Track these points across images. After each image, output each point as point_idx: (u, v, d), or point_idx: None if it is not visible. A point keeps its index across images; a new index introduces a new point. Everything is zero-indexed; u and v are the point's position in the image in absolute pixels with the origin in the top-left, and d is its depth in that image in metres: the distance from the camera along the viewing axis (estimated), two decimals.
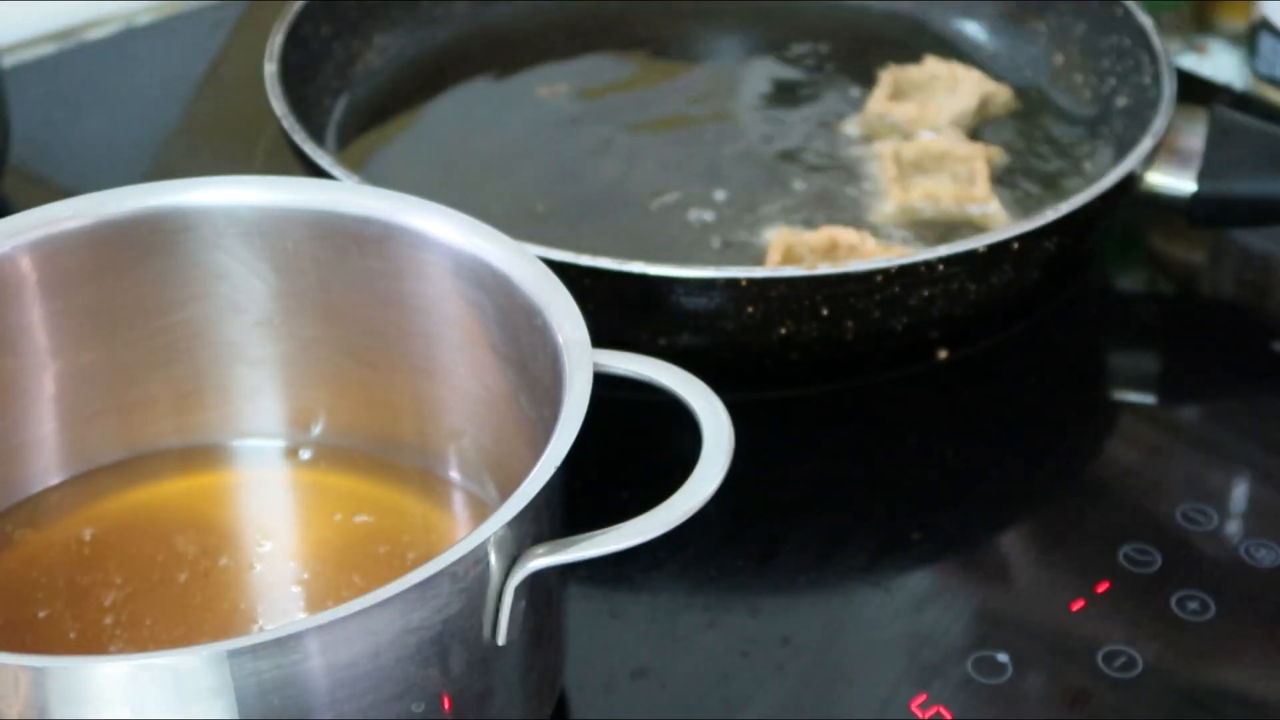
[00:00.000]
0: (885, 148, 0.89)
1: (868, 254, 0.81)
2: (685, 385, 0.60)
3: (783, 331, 0.76)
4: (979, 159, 0.88)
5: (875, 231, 0.85)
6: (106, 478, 0.69)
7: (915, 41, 1.01)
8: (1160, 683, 0.67)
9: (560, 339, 0.60)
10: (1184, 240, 0.91)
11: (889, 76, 0.95)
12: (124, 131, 0.98)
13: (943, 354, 0.81)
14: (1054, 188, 0.89)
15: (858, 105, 0.95)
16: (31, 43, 1.04)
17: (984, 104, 0.94)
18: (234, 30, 1.06)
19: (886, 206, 0.87)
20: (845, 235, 0.82)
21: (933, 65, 0.96)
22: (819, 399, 0.80)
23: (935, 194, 0.86)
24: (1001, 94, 0.95)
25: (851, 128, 0.93)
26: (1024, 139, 0.93)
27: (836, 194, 0.88)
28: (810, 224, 0.85)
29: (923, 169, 0.89)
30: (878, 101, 0.94)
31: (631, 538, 0.56)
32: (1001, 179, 0.89)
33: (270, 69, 0.87)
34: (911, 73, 0.96)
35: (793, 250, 0.81)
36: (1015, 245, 0.77)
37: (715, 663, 0.67)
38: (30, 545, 0.67)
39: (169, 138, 0.98)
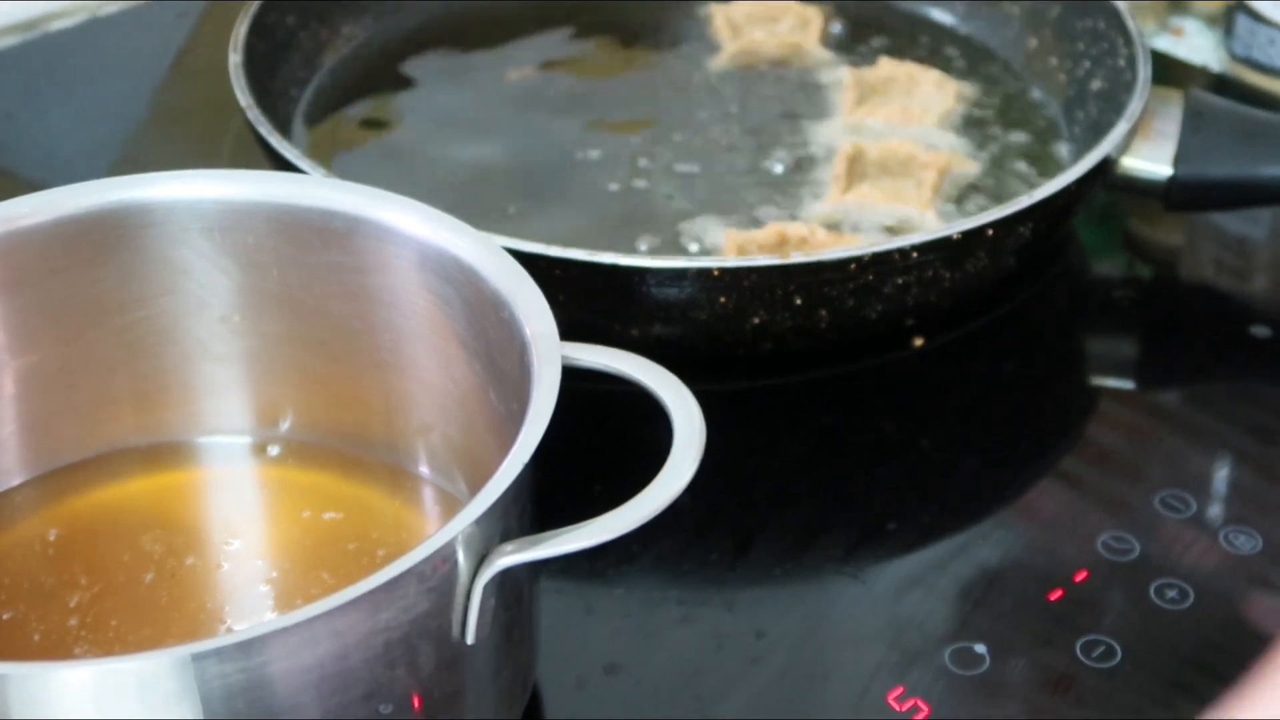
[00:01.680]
0: (845, 146, 0.88)
1: (819, 245, 0.80)
2: (656, 378, 0.60)
3: (756, 321, 0.75)
4: (934, 167, 0.86)
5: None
6: (70, 477, 0.68)
7: (888, 26, 1.00)
8: (1140, 672, 0.66)
9: (528, 332, 0.60)
10: (1162, 224, 0.90)
11: (850, 80, 0.94)
12: (90, 123, 0.97)
13: (918, 342, 0.81)
14: (1026, 182, 0.88)
15: (826, 93, 0.94)
16: None
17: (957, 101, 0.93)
18: (200, 19, 1.05)
19: (823, 205, 0.86)
20: (794, 229, 0.81)
21: (888, 67, 0.94)
22: (793, 389, 0.79)
23: (871, 198, 0.85)
24: (966, 90, 0.94)
25: (825, 127, 0.92)
26: (995, 128, 0.92)
27: (785, 189, 0.87)
28: (762, 220, 0.84)
29: (888, 171, 0.87)
30: (849, 110, 0.92)
31: (601, 534, 0.55)
32: (972, 182, 0.88)
33: (235, 59, 0.86)
34: (867, 75, 0.94)
35: (744, 250, 0.80)
36: (990, 231, 0.76)
37: (690, 657, 0.67)
38: None
39: (136, 129, 0.98)
